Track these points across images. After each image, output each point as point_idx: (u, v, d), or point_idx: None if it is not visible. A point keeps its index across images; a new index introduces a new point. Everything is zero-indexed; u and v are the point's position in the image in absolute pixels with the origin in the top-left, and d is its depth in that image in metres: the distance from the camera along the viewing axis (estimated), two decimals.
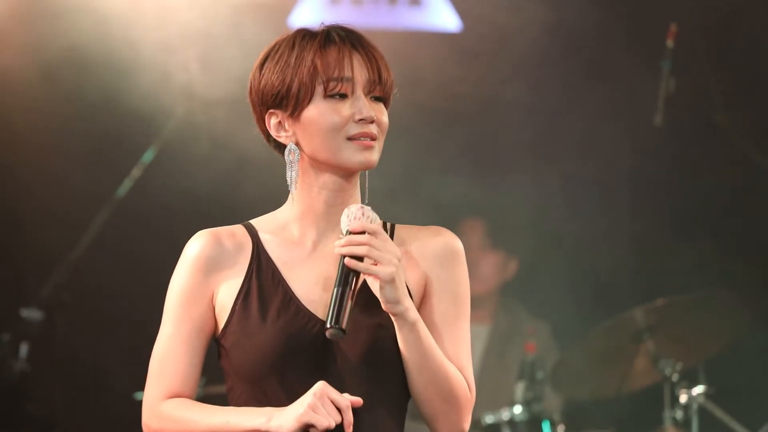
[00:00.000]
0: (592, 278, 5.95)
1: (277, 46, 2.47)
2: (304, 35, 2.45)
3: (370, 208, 2.39)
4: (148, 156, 5.68)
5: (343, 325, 2.30)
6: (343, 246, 2.33)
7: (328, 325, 2.30)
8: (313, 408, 2.29)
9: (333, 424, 2.30)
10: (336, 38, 2.43)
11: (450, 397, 2.41)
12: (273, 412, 2.34)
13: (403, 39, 5.88)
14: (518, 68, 5.92)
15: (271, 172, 5.54)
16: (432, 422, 2.43)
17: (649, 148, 5.92)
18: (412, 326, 2.36)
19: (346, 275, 2.33)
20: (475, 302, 5.91)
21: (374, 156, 2.42)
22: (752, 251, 5.82)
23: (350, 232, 2.34)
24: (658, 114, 5.38)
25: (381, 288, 2.32)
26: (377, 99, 2.45)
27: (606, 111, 5.96)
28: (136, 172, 5.66)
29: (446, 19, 6.00)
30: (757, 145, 5.68)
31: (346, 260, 2.32)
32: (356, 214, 2.37)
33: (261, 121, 2.49)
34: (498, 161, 6.03)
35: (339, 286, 2.32)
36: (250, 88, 2.49)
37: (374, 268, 2.32)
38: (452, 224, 5.92)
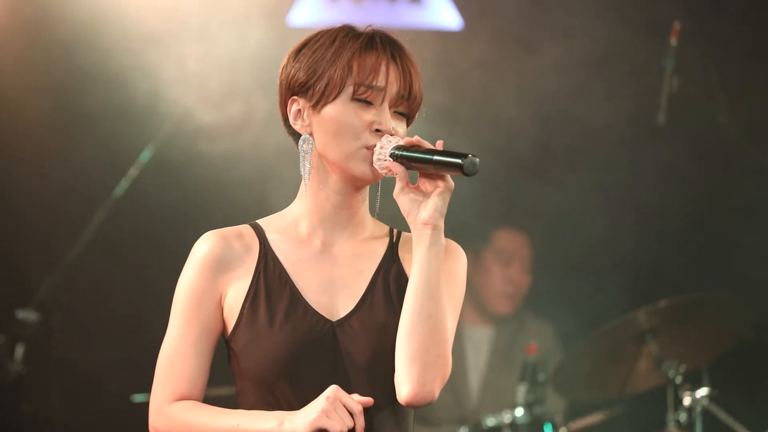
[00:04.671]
0: (594, 279, 5.92)
1: (318, 36, 2.46)
2: (348, 32, 2.45)
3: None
4: (145, 156, 5.66)
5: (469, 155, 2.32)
6: (414, 137, 2.37)
7: (466, 159, 2.32)
8: (326, 413, 2.29)
9: (346, 429, 2.29)
10: (378, 44, 2.43)
11: (442, 343, 2.35)
12: (284, 416, 2.33)
13: (401, 37, 5.84)
14: (519, 67, 5.90)
15: (270, 171, 5.54)
16: (410, 369, 2.34)
17: (651, 148, 5.89)
18: (440, 249, 2.37)
19: (424, 150, 2.36)
20: (480, 306, 5.94)
21: (381, 171, 2.41)
22: (756, 252, 5.79)
23: (402, 146, 2.37)
24: (661, 113, 5.36)
25: (439, 194, 2.35)
26: (400, 114, 2.46)
27: (608, 110, 5.93)
28: (133, 171, 5.64)
29: (447, 17, 5.96)
30: (759, 144, 5.66)
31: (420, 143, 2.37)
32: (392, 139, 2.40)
33: (283, 105, 2.50)
34: (498, 162, 5.99)
35: (431, 154, 2.35)
36: (282, 69, 2.49)
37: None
38: (456, 228, 5.89)
